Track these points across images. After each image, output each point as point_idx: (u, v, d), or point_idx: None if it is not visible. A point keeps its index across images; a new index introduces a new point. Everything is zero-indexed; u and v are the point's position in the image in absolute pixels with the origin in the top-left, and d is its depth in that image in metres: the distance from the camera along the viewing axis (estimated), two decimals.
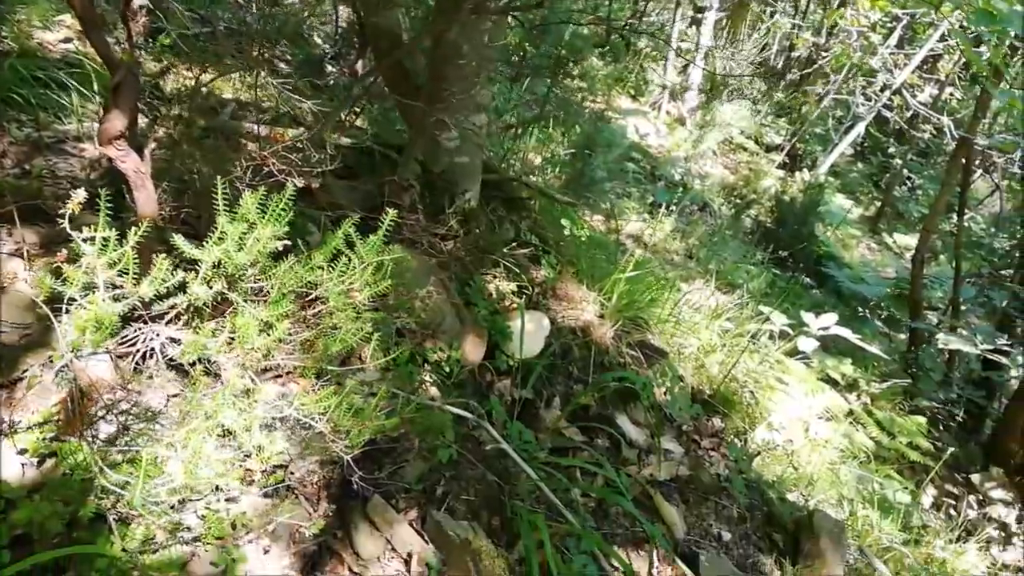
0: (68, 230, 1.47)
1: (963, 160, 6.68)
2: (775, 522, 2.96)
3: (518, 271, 3.22)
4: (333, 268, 1.87)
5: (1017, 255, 7.42)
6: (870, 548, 3.09)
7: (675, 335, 3.96)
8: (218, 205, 1.75)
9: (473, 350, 2.79)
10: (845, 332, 5.38)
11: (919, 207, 13.10)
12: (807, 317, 5.53)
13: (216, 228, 1.76)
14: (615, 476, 2.65)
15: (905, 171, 13.13)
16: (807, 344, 5.28)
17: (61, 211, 1.45)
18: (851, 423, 5.62)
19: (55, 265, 1.56)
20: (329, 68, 5.59)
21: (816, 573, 2.67)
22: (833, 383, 6.38)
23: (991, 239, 7.40)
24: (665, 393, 3.32)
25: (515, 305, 3.14)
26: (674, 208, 7.87)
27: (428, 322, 2.69)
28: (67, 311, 1.58)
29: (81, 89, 3.10)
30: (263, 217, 1.78)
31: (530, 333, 2.93)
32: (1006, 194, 8.34)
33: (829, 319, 5.53)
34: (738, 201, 9.82)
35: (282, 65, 5.23)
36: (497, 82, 5.40)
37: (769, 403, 4.68)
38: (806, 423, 5.10)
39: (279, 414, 1.79)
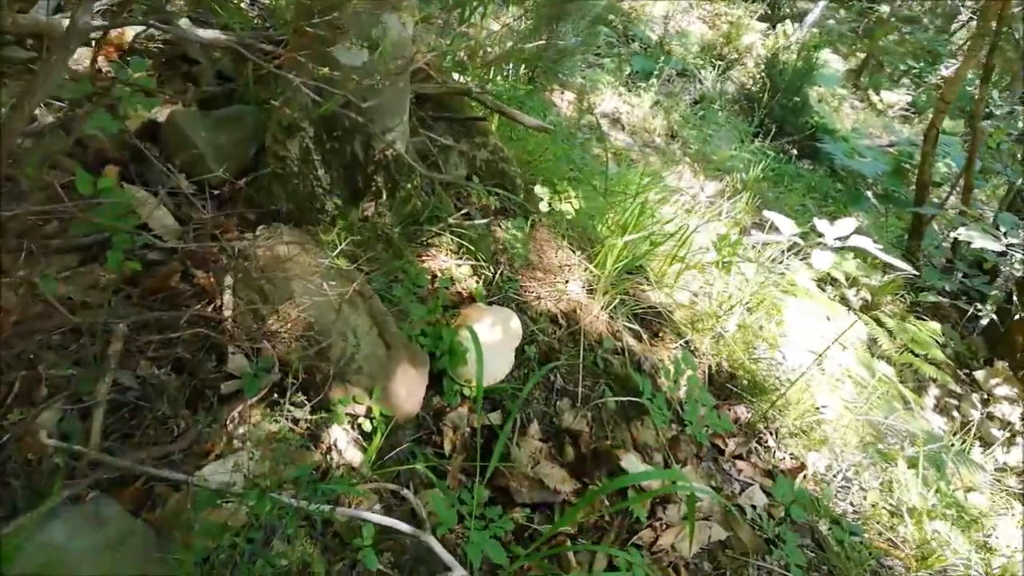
0: None
1: (997, 16, 5.59)
2: None
3: (471, 245, 2.20)
4: None
5: None
6: None
7: (678, 282, 3.02)
8: None
9: (408, 392, 1.82)
10: (865, 243, 4.56)
11: (905, 60, 11.97)
12: (821, 226, 4.68)
13: None
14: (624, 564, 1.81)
15: (892, 19, 11.86)
16: (823, 260, 4.47)
17: None
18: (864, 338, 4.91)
19: None
20: None
21: None
22: (834, 281, 5.66)
23: (1011, 107, 6.41)
24: (678, 388, 2.43)
25: (471, 294, 2.16)
26: (655, 81, 6.69)
27: (336, 359, 1.72)
28: None
29: None
30: None
31: (494, 348, 1.96)
32: None
33: (847, 226, 4.69)
34: (719, 62, 8.59)
35: None
36: None
37: (779, 336, 3.90)
38: (820, 358, 4.36)
39: None
